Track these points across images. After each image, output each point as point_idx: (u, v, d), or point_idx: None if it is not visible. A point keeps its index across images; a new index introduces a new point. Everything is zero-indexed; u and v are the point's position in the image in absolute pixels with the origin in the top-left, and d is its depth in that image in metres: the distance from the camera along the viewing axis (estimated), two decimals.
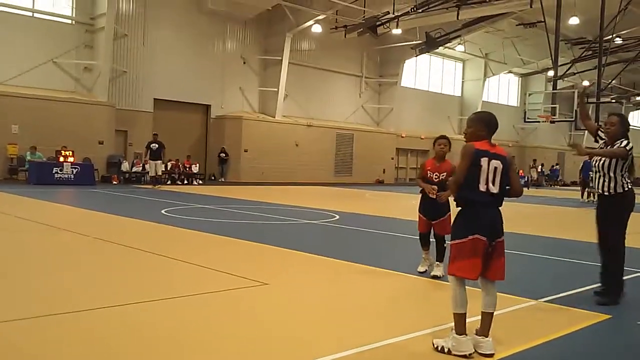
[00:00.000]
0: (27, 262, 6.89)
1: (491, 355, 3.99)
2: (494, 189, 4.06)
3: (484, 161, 4.06)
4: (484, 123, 4.27)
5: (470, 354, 3.93)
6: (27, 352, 3.80)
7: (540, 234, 11.55)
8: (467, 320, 4.05)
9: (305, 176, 30.27)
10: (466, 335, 3.97)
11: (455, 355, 3.93)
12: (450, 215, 6.38)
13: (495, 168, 4.07)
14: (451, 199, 4.67)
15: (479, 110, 37.37)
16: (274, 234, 10.26)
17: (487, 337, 4.05)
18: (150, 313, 4.83)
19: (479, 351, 4.03)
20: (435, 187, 6.41)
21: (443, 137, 6.60)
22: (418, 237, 6.80)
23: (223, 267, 6.76)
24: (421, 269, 6.71)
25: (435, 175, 6.49)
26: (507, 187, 4.18)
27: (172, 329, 4.38)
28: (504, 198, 4.18)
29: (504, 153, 4.20)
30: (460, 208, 4.17)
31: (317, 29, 29.24)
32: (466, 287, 4.11)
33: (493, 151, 4.13)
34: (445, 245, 6.29)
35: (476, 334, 4.10)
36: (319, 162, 31.78)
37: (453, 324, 4.05)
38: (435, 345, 4.04)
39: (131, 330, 4.35)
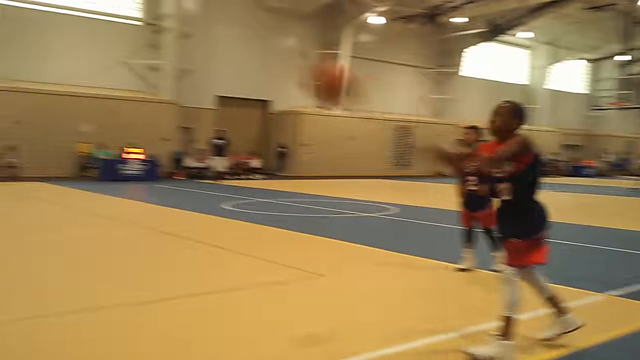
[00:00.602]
0: (93, 255, 7.19)
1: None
2: None
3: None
4: (517, 115, 3.92)
5: None
6: (98, 338, 3.95)
7: (611, 226, 11.05)
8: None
9: (364, 169, 30.12)
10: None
11: None
12: (492, 207, 6.16)
13: None
14: None
15: (539, 98, 36.43)
16: (332, 227, 10.28)
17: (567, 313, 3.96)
18: (202, 305, 4.93)
19: (570, 328, 3.91)
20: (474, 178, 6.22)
21: (469, 126, 6.50)
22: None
23: (282, 260, 6.83)
24: (461, 266, 6.49)
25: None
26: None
27: (222, 321, 4.46)
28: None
29: None
30: (522, 207, 3.85)
31: (376, 20, 29.00)
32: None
33: None
34: (494, 235, 6.09)
35: (560, 314, 3.95)
36: (378, 155, 31.54)
37: (504, 328, 3.65)
38: (476, 355, 3.63)
39: (193, 321, 4.47)
